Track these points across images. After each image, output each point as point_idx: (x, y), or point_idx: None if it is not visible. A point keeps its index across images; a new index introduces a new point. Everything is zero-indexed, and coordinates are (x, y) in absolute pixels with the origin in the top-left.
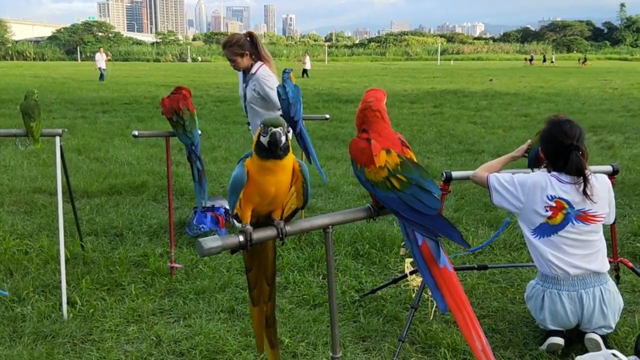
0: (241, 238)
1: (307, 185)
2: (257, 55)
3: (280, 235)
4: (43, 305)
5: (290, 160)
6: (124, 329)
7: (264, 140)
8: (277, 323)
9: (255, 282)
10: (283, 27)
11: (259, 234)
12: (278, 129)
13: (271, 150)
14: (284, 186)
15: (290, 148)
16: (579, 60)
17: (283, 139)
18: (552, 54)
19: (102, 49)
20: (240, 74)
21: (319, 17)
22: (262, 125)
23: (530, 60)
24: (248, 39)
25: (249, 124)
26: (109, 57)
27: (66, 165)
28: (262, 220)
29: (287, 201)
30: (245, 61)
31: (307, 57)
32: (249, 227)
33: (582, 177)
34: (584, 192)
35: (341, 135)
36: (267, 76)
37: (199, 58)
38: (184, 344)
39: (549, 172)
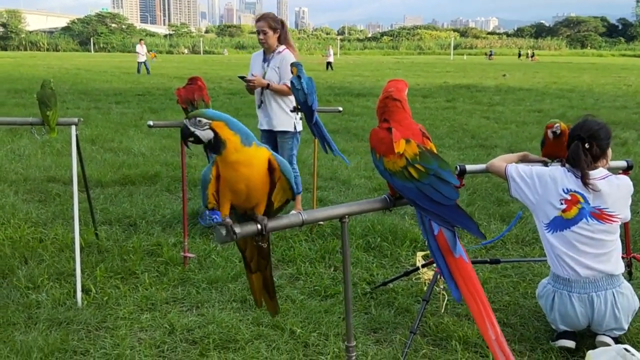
0: (259, 226)
1: (290, 183)
2: (284, 39)
3: (262, 232)
4: (58, 293)
5: (258, 156)
6: (138, 316)
7: None
8: (273, 282)
9: (251, 257)
10: (295, 20)
11: (241, 230)
12: (184, 120)
13: (182, 140)
14: (256, 183)
15: (238, 146)
16: (527, 55)
17: (200, 132)
18: (528, 49)
19: (142, 41)
20: (258, 56)
21: (332, 11)
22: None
23: (490, 55)
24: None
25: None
26: (154, 56)
27: (81, 154)
28: (250, 213)
29: (275, 196)
30: (274, 39)
31: (331, 50)
32: (228, 220)
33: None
34: (584, 182)
35: (353, 129)
36: (292, 58)
37: (185, 50)
38: (197, 333)
39: (564, 167)
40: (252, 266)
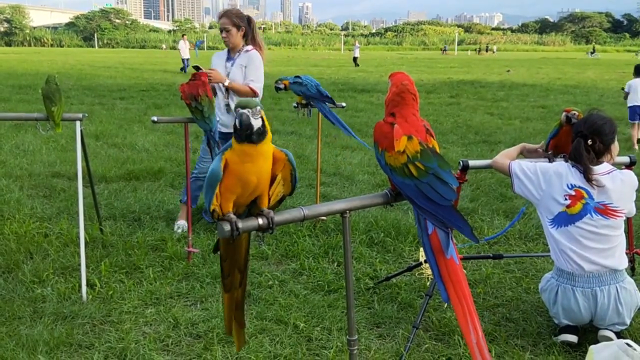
0: (260, 221)
1: (295, 172)
2: (251, 39)
3: (270, 224)
4: (63, 287)
5: (269, 147)
6: (142, 311)
7: (237, 122)
8: (245, 305)
9: (229, 270)
10: (299, 15)
11: (244, 225)
12: (246, 111)
13: (241, 133)
14: (265, 175)
15: (270, 135)
16: (476, 50)
17: (254, 121)
18: (493, 44)
19: (185, 37)
20: (221, 55)
21: (336, 6)
22: (236, 108)
23: (444, 50)
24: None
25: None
26: (192, 47)
27: (86, 149)
28: (241, 210)
29: (273, 190)
30: (238, 37)
31: (357, 45)
32: (231, 215)
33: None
34: (587, 179)
35: (357, 125)
36: (259, 59)
37: (163, 46)
38: (201, 327)
39: (567, 162)
40: (227, 283)
